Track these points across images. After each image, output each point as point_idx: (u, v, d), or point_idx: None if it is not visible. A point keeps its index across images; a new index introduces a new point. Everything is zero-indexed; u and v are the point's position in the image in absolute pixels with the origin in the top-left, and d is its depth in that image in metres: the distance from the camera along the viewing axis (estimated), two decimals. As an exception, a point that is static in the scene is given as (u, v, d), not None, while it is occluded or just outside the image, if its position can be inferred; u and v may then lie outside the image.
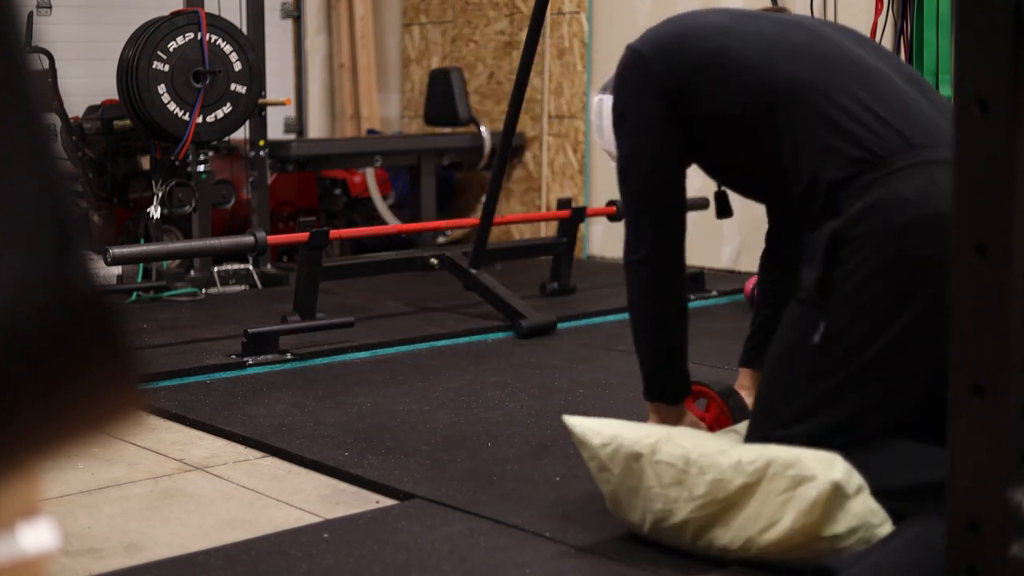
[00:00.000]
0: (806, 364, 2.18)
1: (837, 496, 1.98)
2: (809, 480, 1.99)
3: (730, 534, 2.08)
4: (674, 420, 2.52)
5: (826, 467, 2.00)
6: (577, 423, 2.25)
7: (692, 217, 5.72)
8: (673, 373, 2.52)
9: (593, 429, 2.23)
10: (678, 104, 2.40)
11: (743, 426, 2.41)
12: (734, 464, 2.07)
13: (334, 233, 4.43)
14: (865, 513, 2.02)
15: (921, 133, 2.18)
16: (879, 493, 2.05)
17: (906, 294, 2.10)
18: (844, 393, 2.14)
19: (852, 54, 2.32)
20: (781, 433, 2.17)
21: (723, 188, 2.71)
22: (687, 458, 2.11)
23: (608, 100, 2.56)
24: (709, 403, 2.67)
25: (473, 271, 4.58)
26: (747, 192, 2.58)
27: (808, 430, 2.15)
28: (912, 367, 2.13)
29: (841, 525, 2.00)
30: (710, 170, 2.56)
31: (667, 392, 2.52)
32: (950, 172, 2.13)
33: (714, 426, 2.61)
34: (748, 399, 2.66)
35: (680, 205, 2.51)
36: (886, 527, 2.04)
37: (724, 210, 2.73)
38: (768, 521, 2.03)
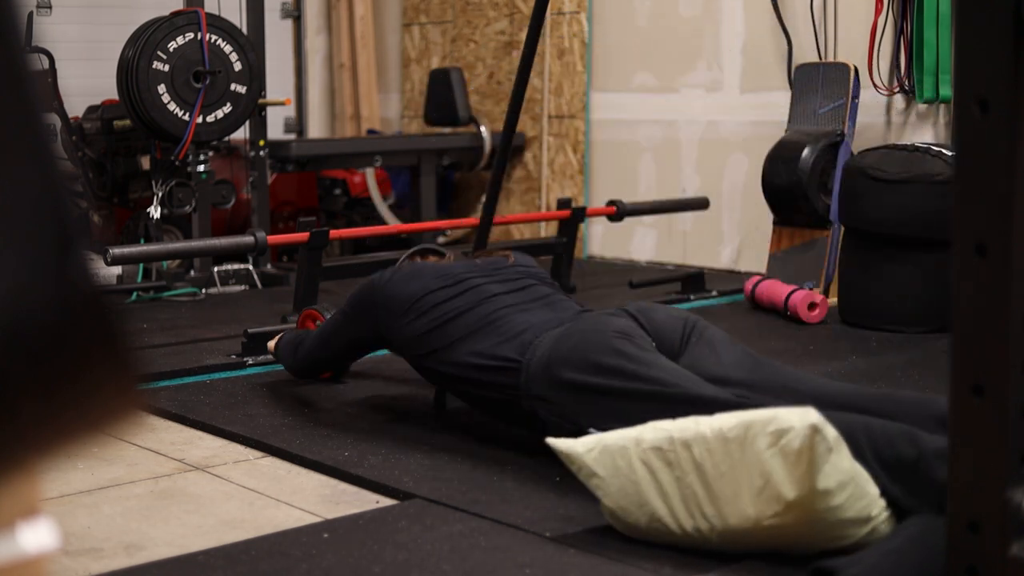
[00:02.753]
0: None
1: (819, 440, 1.99)
2: (788, 431, 2.01)
3: (727, 508, 2.09)
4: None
5: (802, 417, 2.02)
6: (559, 442, 2.29)
7: (692, 217, 5.75)
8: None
9: (576, 441, 2.26)
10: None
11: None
12: (716, 432, 2.09)
13: (334, 233, 4.43)
14: (851, 468, 2.04)
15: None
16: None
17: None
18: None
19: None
20: None
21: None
22: (670, 437, 2.14)
23: None
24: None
25: (473, 271, 4.57)
26: None
27: None
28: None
29: (831, 479, 2.01)
30: None
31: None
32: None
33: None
34: None
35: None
36: (873, 487, 2.07)
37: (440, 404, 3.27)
38: (761, 480, 2.04)
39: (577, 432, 2.47)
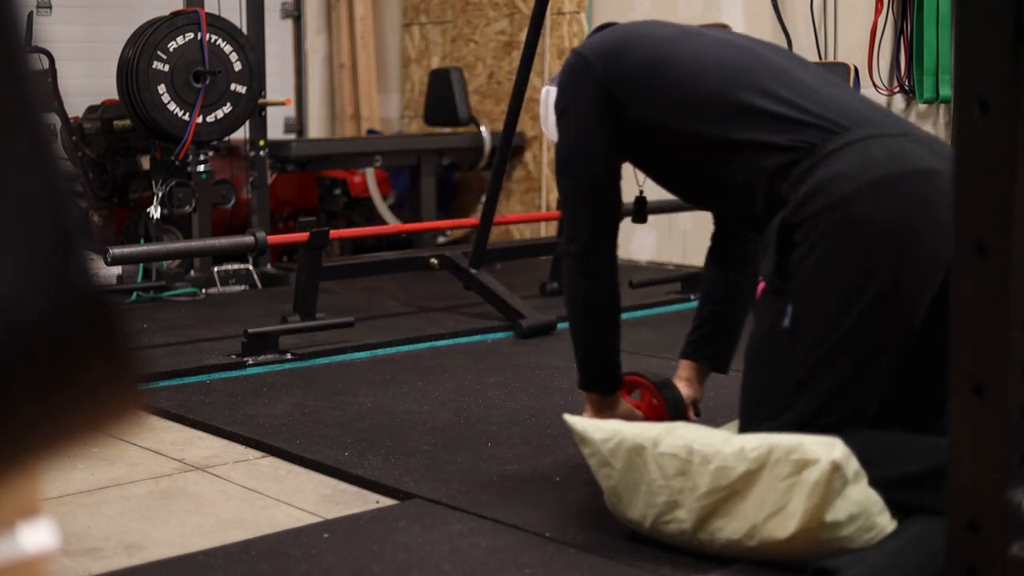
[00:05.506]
0: (781, 351, 2.25)
1: (836, 477, 1.99)
2: (812, 463, 2.01)
3: (734, 523, 2.08)
4: (608, 410, 2.61)
5: (827, 450, 2.01)
6: (578, 420, 2.26)
7: (692, 217, 5.74)
8: (604, 363, 2.60)
9: (594, 425, 2.24)
10: (614, 107, 2.50)
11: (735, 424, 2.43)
12: (737, 451, 2.08)
13: (334, 233, 4.43)
14: (864, 500, 2.03)
15: (847, 120, 2.30)
16: (876, 483, 2.07)
17: (863, 263, 2.17)
18: (819, 375, 2.20)
19: (775, 63, 2.44)
20: (768, 426, 2.21)
21: (643, 194, 2.84)
22: (690, 448, 2.12)
23: (554, 92, 2.66)
24: (644, 393, 2.72)
25: (473, 271, 4.58)
26: (683, 195, 2.66)
27: (792, 419, 2.20)
28: (880, 337, 2.19)
29: (841, 512, 2.00)
30: (646, 171, 2.62)
31: (599, 382, 2.60)
32: (881, 144, 2.24)
33: (649, 417, 2.64)
34: (686, 391, 2.72)
35: (615, 200, 2.58)
36: (884, 516, 2.06)
37: (640, 215, 2.86)
38: (774, 507, 2.04)
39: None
